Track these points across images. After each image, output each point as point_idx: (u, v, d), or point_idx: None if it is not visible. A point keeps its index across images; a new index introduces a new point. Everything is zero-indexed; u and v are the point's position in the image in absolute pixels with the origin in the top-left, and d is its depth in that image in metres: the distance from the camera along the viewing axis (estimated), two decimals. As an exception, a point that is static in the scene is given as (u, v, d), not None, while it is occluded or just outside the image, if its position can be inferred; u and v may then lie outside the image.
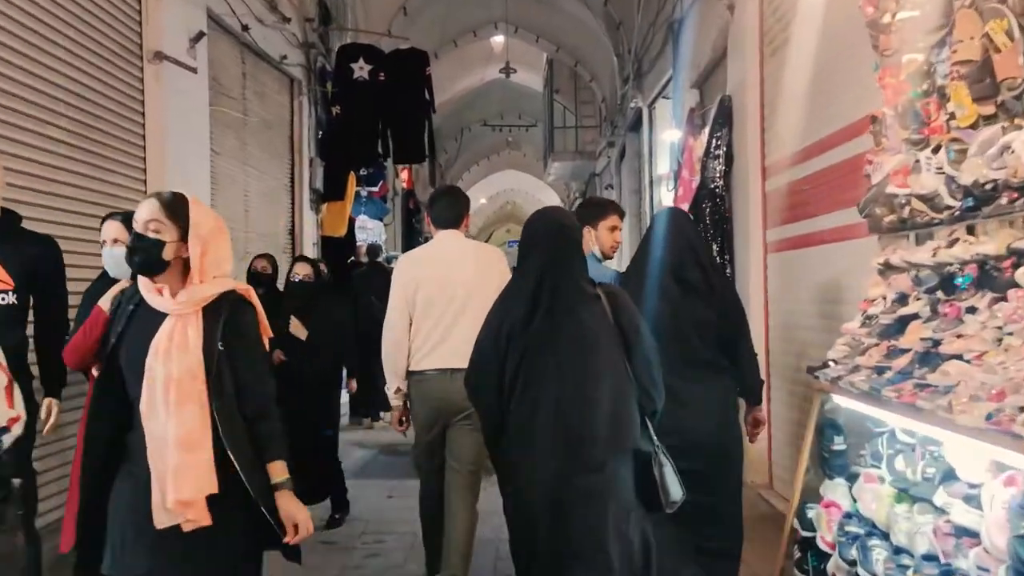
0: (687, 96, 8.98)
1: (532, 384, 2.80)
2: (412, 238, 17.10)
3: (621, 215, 4.45)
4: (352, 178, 9.98)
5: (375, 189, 11.95)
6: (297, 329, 5.68)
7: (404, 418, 4.17)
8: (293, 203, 9.19)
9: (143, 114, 5.90)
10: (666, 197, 10.55)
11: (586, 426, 2.75)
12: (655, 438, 2.89)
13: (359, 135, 9.74)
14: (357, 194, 11.77)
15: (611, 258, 4.35)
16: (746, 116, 6.46)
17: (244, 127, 7.90)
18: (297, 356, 5.56)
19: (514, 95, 24.47)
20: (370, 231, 11.77)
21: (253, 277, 6.14)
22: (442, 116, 24.61)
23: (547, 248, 2.94)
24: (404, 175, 17.01)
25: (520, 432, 2.83)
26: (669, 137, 9.64)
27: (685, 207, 8.70)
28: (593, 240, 4.21)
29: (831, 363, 3.47)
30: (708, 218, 6.81)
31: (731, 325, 3.56)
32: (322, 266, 6.65)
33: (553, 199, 32.93)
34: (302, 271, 5.88)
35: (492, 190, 35.60)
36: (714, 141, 6.94)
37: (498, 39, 18.47)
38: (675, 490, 2.86)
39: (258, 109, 8.28)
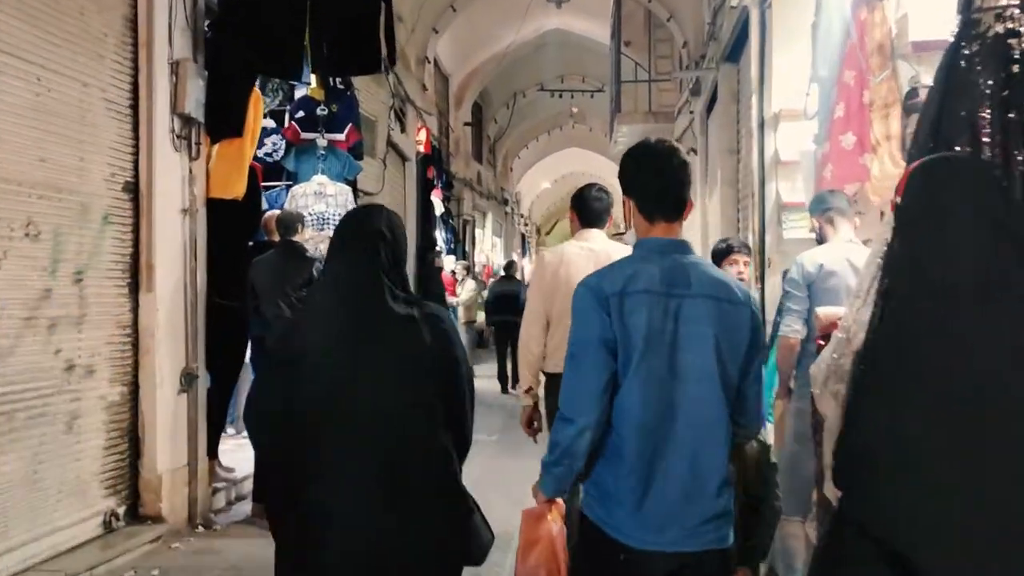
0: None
1: None
2: (430, 221, 12.99)
3: None
4: (257, 99, 5.96)
5: (340, 137, 7.94)
6: None
7: (534, 421, 4.21)
8: (137, 138, 5.19)
9: None
10: (795, 136, 6.23)
11: None
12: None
13: (270, 27, 5.71)
14: (313, 144, 7.86)
15: None
16: None
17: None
18: None
19: (575, 51, 20.55)
20: (331, 199, 7.73)
21: None
22: (489, 77, 20.79)
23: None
24: (422, 134, 12.94)
25: None
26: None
27: (847, 138, 4.72)
28: None
29: None
30: (993, 107, 2.49)
31: None
32: None
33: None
34: None
35: (556, 172, 31.52)
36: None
37: (553, -24, 14.50)
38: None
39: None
